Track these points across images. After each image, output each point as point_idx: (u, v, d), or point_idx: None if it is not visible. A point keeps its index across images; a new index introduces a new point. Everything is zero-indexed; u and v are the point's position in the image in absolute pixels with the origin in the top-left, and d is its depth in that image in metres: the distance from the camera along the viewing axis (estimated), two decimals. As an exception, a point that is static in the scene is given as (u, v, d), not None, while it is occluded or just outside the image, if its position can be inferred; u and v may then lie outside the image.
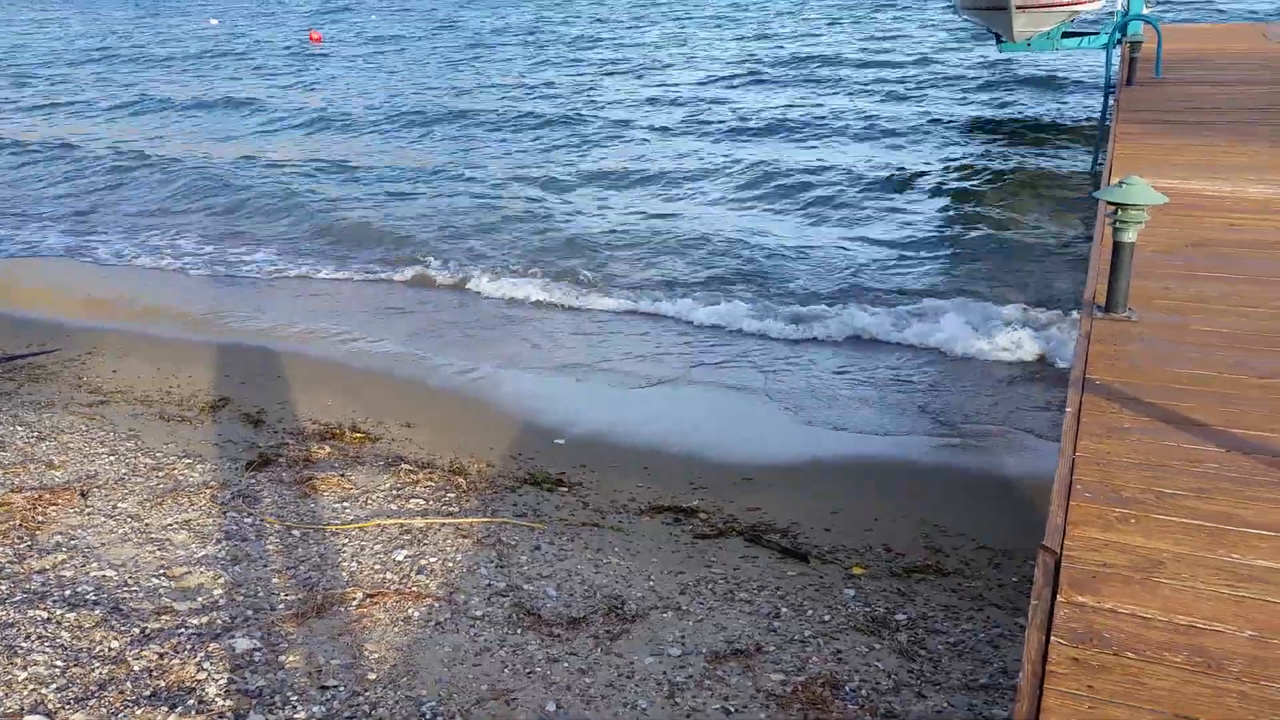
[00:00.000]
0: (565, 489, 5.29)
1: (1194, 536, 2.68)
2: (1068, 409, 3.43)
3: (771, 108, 17.40)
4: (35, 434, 5.81)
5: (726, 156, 13.86)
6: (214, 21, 46.50)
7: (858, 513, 4.97)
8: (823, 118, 16.30)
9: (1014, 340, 6.95)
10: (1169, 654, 2.24)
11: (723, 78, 21.56)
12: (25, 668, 3.53)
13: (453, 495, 5.10)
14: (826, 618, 3.99)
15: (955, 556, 4.53)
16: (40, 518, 4.73)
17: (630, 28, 33.77)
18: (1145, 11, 13.01)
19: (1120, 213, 3.98)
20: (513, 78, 22.95)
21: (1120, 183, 3.99)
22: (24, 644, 3.66)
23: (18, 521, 4.66)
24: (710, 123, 16.38)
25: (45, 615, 3.86)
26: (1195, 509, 2.80)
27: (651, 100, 19.02)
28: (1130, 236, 4.02)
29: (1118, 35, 11.90)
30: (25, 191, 14.11)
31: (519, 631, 3.86)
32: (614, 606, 4.05)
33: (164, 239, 11.28)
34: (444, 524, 4.75)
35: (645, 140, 15.38)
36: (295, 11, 48.52)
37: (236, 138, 17.64)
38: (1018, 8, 13.20)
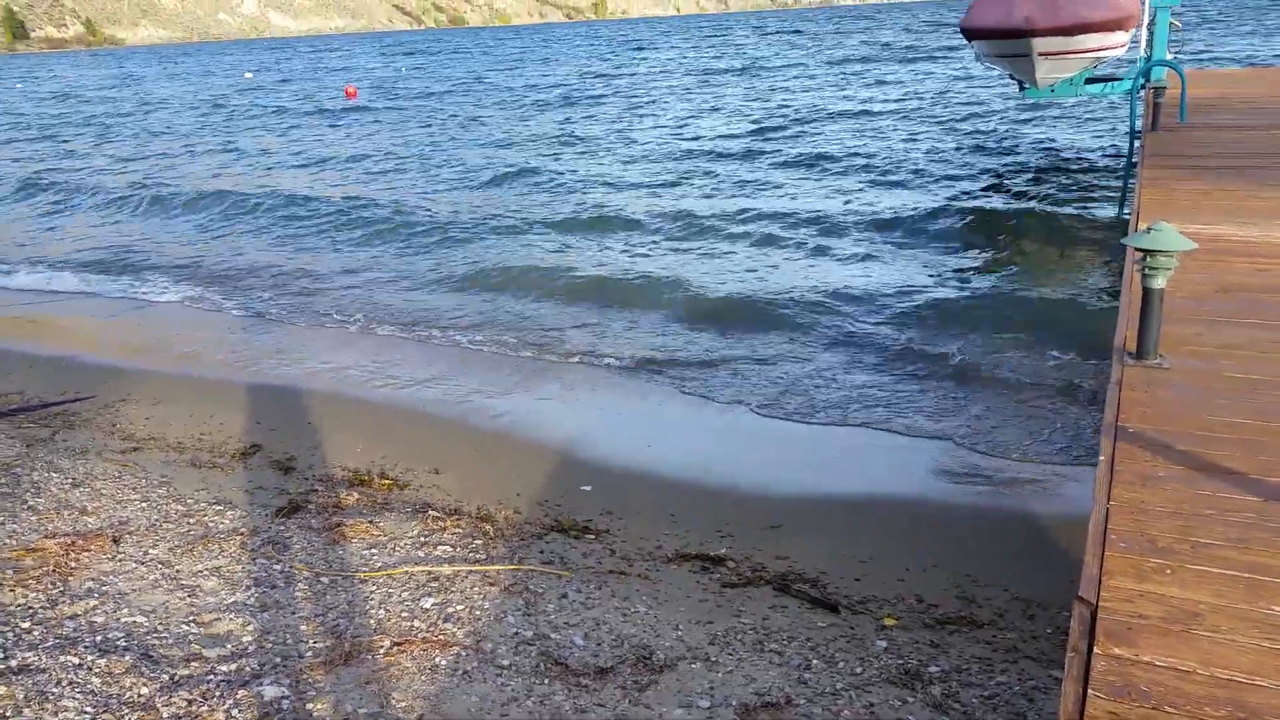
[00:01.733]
0: (592, 536, 5.28)
1: (1231, 588, 2.63)
2: (1100, 457, 3.40)
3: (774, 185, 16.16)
4: (69, 480, 5.89)
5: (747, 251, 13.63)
6: (249, 75, 47.70)
7: (889, 561, 4.91)
8: (824, 213, 14.04)
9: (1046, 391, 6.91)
10: (1209, 708, 2.20)
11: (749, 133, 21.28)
12: (56, 713, 3.55)
13: (480, 542, 5.10)
14: (858, 670, 3.94)
15: (989, 607, 4.47)
16: (73, 564, 4.77)
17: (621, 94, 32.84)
18: (1168, 57, 13.04)
19: (1149, 259, 3.97)
20: (533, 134, 22.94)
21: (1149, 229, 3.98)
22: (55, 689, 3.68)
23: (51, 567, 4.71)
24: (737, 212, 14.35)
25: (76, 661, 3.88)
26: (1232, 559, 2.76)
27: (634, 184, 17.18)
28: (1160, 283, 4.00)
29: (1141, 80, 11.93)
30: None
31: (546, 681, 3.84)
32: (642, 656, 4.02)
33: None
34: (471, 571, 4.75)
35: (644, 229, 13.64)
36: (328, 67, 49.46)
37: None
38: (1040, 55, 13.24)
